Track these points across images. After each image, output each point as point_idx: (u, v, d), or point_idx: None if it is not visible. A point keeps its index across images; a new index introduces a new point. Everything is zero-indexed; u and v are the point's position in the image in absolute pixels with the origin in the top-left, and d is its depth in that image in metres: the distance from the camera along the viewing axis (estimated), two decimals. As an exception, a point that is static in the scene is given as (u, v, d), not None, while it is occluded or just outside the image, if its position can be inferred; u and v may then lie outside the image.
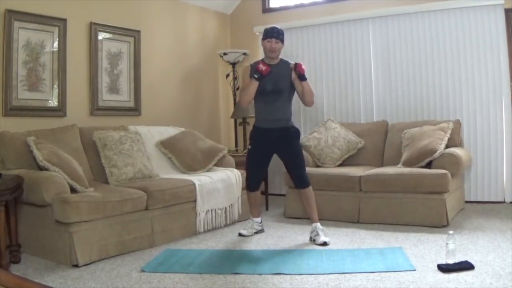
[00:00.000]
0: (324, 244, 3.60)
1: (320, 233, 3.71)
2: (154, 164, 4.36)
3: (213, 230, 4.19)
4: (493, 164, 4.90)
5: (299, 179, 3.89)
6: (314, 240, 3.70)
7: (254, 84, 3.75)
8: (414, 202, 4.08)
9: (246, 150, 5.55)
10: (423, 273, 2.81)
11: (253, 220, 4.06)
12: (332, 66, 5.69)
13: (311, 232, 3.77)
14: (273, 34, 3.77)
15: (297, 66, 3.75)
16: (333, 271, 2.92)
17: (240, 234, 3.96)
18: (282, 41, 3.80)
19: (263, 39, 3.82)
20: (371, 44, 5.47)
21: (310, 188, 3.91)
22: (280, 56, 3.87)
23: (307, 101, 3.85)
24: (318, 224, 3.79)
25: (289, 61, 3.89)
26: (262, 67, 3.69)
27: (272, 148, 3.91)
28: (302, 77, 3.74)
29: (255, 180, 4.00)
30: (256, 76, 3.72)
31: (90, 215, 3.22)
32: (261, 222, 4.10)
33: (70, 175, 3.35)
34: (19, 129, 3.73)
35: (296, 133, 3.91)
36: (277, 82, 3.77)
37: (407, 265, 2.97)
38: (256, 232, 4.03)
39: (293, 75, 3.78)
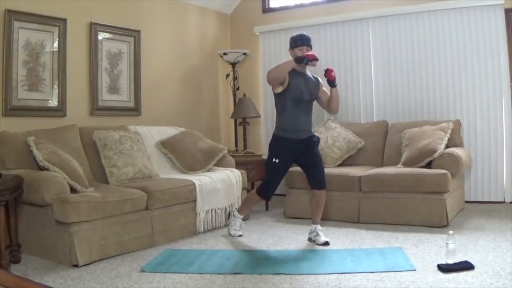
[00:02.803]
0: (326, 243, 3.60)
1: (321, 233, 3.70)
2: (154, 164, 4.36)
3: (213, 230, 4.19)
4: (493, 164, 4.90)
5: (321, 182, 3.77)
6: (314, 240, 3.70)
7: (291, 65, 3.52)
8: (414, 202, 4.08)
9: (245, 151, 5.56)
10: (423, 273, 2.81)
11: (239, 218, 4.02)
12: (332, 66, 5.66)
13: (311, 233, 3.76)
14: (304, 42, 3.61)
15: (327, 72, 3.60)
16: (333, 271, 2.92)
17: (240, 236, 3.94)
18: (311, 47, 3.69)
19: (293, 47, 3.65)
20: (371, 44, 5.47)
21: (325, 191, 3.83)
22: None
23: (333, 108, 3.76)
24: (319, 226, 3.78)
25: (314, 75, 3.80)
26: (311, 54, 3.47)
27: (296, 158, 3.76)
28: (332, 84, 3.63)
29: (273, 190, 3.78)
30: (300, 59, 3.49)
31: (90, 215, 3.22)
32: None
33: (70, 175, 3.35)
34: (19, 129, 3.73)
35: (318, 141, 3.86)
36: (311, 92, 3.67)
37: (407, 265, 2.97)
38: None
39: (321, 89, 3.73)
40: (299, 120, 3.64)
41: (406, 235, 3.76)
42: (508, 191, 4.84)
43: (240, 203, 4.48)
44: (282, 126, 3.67)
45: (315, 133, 3.86)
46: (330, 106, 3.76)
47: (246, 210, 4.11)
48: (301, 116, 3.65)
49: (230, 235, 3.98)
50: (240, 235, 3.96)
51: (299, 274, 2.90)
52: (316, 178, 3.77)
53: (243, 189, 4.57)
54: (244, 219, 4.10)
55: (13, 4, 3.89)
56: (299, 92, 3.59)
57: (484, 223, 4.05)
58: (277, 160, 3.66)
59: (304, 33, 3.75)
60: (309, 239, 3.76)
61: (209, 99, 6.08)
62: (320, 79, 3.81)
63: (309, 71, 3.80)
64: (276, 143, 3.71)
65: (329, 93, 3.74)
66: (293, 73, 3.61)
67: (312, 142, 3.75)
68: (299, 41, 3.63)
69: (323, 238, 3.66)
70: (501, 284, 2.57)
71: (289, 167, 3.81)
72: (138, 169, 4.05)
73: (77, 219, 3.14)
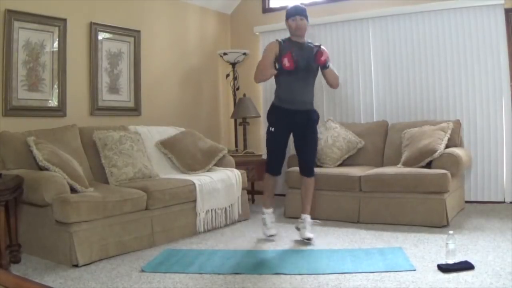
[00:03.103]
0: (308, 240, 3.59)
1: (308, 227, 3.68)
2: (154, 164, 4.36)
3: (213, 230, 4.19)
4: (493, 164, 4.89)
5: (309, 166, 3.77)
6: (299, 229, 3.68)
7: (272, 73, 3.61)
8: (414, 202, 4.08)
9: (246, 151, 5.56)
10: (423, 273, 2.81)
11: (266, 213, 3.85)
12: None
13: (300, 223, 3.74)
14: (297, 11, 3.65)
15: (317, 55, 3.57)
16: (333, 271, 2.92)
17: (271, 236, 3.77)
18: (307, 18, 3.67)
19: (287, 19, 3.68)
20: (371, 44, 5.47)
21: (314, 178, 3.86)
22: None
23: (332, 84, 3.80)
24: (308, 217, 3.75)
25: (315, 43, 3.78)
26: (287, 63, 3.48)
27: (292, 130, 3.75)
28: (323, 67, 3.63)
29: (278, 163, 3.78)
30: (277, 67, 3.58)
31: (90, 215, 3.22)
32: (273, 212, 3.93)
33: (70, 175, 3.35)
34: (19, 129, 3.73)
35: (318, 118, 3.82)
36: (309, 60, 3.63)
37: (407, 265, 2.97)
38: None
39: (323, 58, 3.65)
40: (295, 89, 3.64)
41: (406, 235, 3.76)
42: (508, 191, 4.84)
43: (240, 203, 4.48)
44: (279, 95, 3.73)
45: (316, 110, 3.81)
46: (328, 82, 3.80)
47: (268, 199, 3.90)
48: (297, 86, 3.63)
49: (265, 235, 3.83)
50: (272, 235, 3.76)
51: (299, 274, 2.90)
52: (304, 161, 3.77)
53: (243, 189, 4.57)
54: (245, 219, 4.07)
55: (13, 4, 3.89)
56: (294, 59, 3.53)
57: (484, 223, 4.05)
58: (272, 129, 3.71)
59: (300, 4, 3.77)
60: (297, 228, 3.74)
61: (209, 99, 6.08)
62: (323, 48, 3.70)
63: (310, 40, 3.81)
64: (272, 112, 3.76)
65: (334, 78, 3.72)
66: (286, 42, 3.67)
67: (310, 117, 3.72)
68: (292, 11, 3.68)
69: (307, 234, 3.63)
70: (501, 284, 2.57)
71: (287, 138, 3.78)
72: (138, 169, 4.05)
73: (77, 219, 3.14)
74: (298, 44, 3.67)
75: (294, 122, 3.69)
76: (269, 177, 3.87)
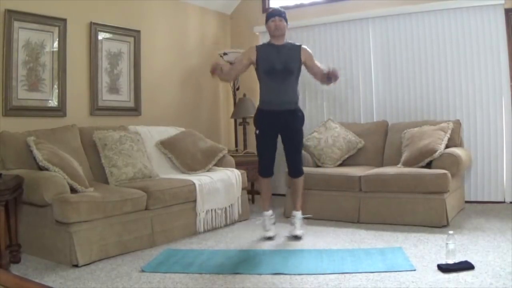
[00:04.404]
0: (296, 238, 3.66)
1: (297, 224, 3.75)
2: (154, 164, 4.36)
3: (213, 230, 4.19)
4: (493, 164, 4.89)
5: (294, 166, 3.83)
6: (291, 225, 3.78)
7: (225, 78, 3.88)
8: (414, 202, 4.08)
9: (246, 151, 5.56)
10: (423, 273, 2.81)
11: (266, 216, 3.87)
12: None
13: (291, 219, 3.83)
14: (275, 13, 3.77)
15: (331, 76, 3.61)
16: (333, 271, 2.92)
17: (269, 238, 3.75)
18: (286, 20, 3.77)
19: (266, 21, 3.79)
20: (371, 44, 5.47)
21: (303, 177, 3.91)
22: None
23: (320, 81, 3.86)
24: (299, 214, 3.81)
25: (296, 43, 3.86)
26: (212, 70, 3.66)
27: (278, 130, 3.80)
28: (329, 81, 3.70)
29: (268, 164, 3.85)
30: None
31: (90, 215, 3.22)
32: (272, 215, 3.94)
33: (70, 175, 3.35)
34: (19, 129, 3.73)
35: (302, 118, 3.86)
36: (287, 62, 3.70)
37: (407, 265, 2.97)
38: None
39: (303, 58, 3.75)
40: (274, 91, 3.72)
41: (406, 235, 3.76)
42: (508, 191, 4.84)
43: (240, 203, 4.49)
44: (261, 98, 3.83)
45: (300, 109, 3.85)
46: (317, 78, 3.85)
47: (266, 201, 3.94)
48: (277, 87, 3.71)
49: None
50: (270, 237, 3.74)
51: (299, 274, 2.90)
52: (289, 161, 3.85)
53: (243, 189, 4.57)
54: (245, 219, 4.07)
55: (13, 4, 3.89)
56: (268, 63, 3.69)
57: (484, 223, 4.05)
58: (257, 132, 3.81)
59: (280, 7, 3.90)
60: (291, 224, 3.84)
61: (209, 99, 6.08)
62: (303, 47, 3.80)
63: (291, 41, 3.91)
64: (257, 115, 3.87)
65: (321, 73, 3.74)
66: (264, 46, 3.80)
67: (294, 117, 3.77)
68: (271, 13, 3.79)
69: (296, 231, 3.71)
70: (501, 284, 2.57)
71: (274, 140, 3.83)
72: (138, 169, 4.05)
73: (77, 219, 3.14)
74: (276, 47, 3.76)
75: (278, 123, 3.76)
76: (262, 180, 3.94)
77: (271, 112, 3.74)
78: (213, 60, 3.87)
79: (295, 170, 3.86)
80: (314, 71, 3.81)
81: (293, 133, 3.81)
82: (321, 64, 3.82)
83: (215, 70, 3.66)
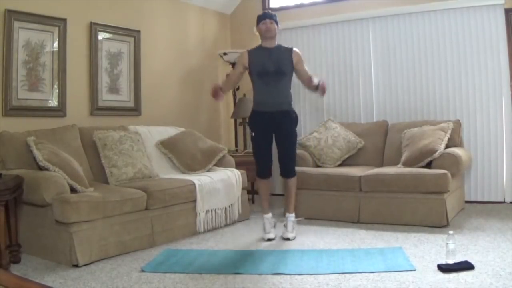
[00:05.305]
0: (287, 240, 3.71)
1: (288, 226, 3.79)
2: (154, 164, 4.36)
3: (213, 230, 4.19)
4: (493, 164, 4.89)
5: (285, 167, 3.85)
6: (284, 226, 3.83)
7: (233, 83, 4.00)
8: (414, 202, 4.08)
9: (246, 151, 5.56)
10: (423, 273, 2.81)
11: (265, 219, 3.85)
12: (332, 66, 5.69)
13: (284, 221, 3.88)
14: (266, 16, 3.82)
15: (321, 89, 3.71)
16: (333, 271, 2.92)
17: (269, 239, 3.75)
18: (276, 22, 3.81)
19: (257, 24, 3.83)
20: (371, 44, 5.47)
21: (295, 178, 3.92)
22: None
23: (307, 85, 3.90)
24: (292, 216, 3.83)
25: (287, 46, 3.90)
26: (213, 94, 3.74)
27: (272, 132, 3.84)
28: (317, 91, 3.77)
29: (265, 166, 3.88)
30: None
31: (90, 215, 3.22)
32: (272, 218, 3.93)
33: (70, 175, 3.35)
34: (19, 129, 3.73)
35: (296, 118, 3.89)
36: (279, 64, 3.74)
37: (407, 265, 2.97)
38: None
39: (295, 60, 3.78)
40: (267, 92, 3.77)
41: (406, 235, 3.76)
42: (508, 191, 4.84)
43: (240, 203, 4.49)
44: (254, 100, 3.88)
45: (294, 110, 3.89)
46: (304, 84, 3.90)
47: (265, 203, 3.94)
48: (269, 89, 3.76)
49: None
50: (270, 239, 3.75)
51: (299, 274, 2.90)
52: (285, 164, 3.86)
53: (243, 189, 4.57)
54: (245, 219, 4.08)
55: (13, 4, 3.89)
56: (261, 65, 3.74)
57: (484, 223, 4.05)
58: (253, 134, 3.87)
59: (270, 11, 3.96)
60: (284, 225, 3.88)
61: (209, 99, 6.00)
62: (295, 50, 3.84)
63: (283, 44, 3.94)
64: (251, 117, 3.91)
65: (308, 79, 3.78)
66: (255, 49, 3.84)
67: (287, 117, 3.81)
68: (262, 16, 3.84)
69: (287, 234, 3.76)
70: (501, 284, 2.57)
71: (270, 140, 3.86)
72: (138, 169, 4.05)
73: (77, 219, 3.14)
74: (267, 50, 3.79)
75: (271, 124, 3.79)
76: (260, 181, 3.97)
77: (265, 113, 3.78)
78: (212, 83, 3.99)
79: (287, 170, 3.87)
80: (302, 76, 3.85)
81: (286, 134, 3.84)
82: (311, 73, 3.86)
83: (216, 94, 3.73)
